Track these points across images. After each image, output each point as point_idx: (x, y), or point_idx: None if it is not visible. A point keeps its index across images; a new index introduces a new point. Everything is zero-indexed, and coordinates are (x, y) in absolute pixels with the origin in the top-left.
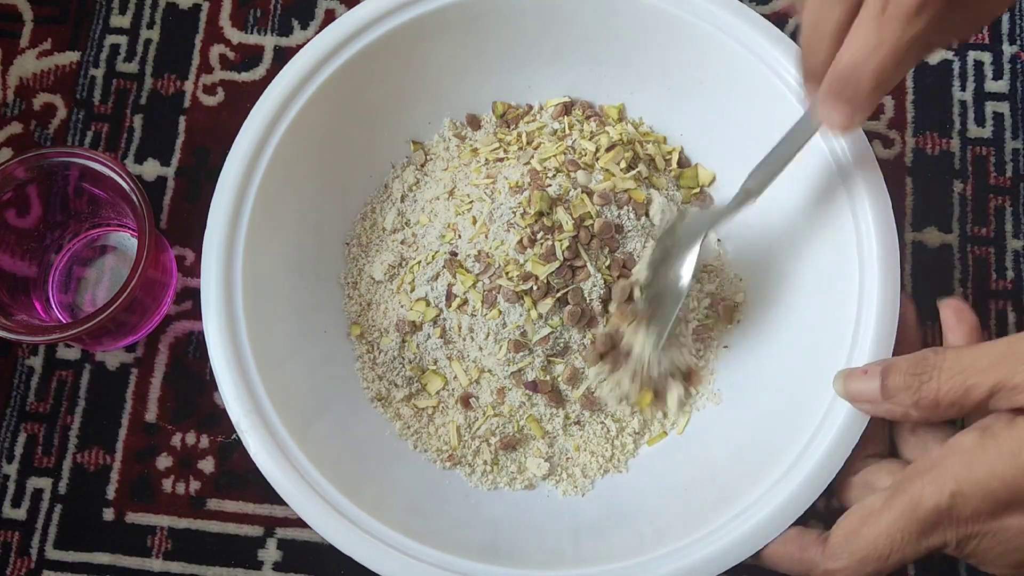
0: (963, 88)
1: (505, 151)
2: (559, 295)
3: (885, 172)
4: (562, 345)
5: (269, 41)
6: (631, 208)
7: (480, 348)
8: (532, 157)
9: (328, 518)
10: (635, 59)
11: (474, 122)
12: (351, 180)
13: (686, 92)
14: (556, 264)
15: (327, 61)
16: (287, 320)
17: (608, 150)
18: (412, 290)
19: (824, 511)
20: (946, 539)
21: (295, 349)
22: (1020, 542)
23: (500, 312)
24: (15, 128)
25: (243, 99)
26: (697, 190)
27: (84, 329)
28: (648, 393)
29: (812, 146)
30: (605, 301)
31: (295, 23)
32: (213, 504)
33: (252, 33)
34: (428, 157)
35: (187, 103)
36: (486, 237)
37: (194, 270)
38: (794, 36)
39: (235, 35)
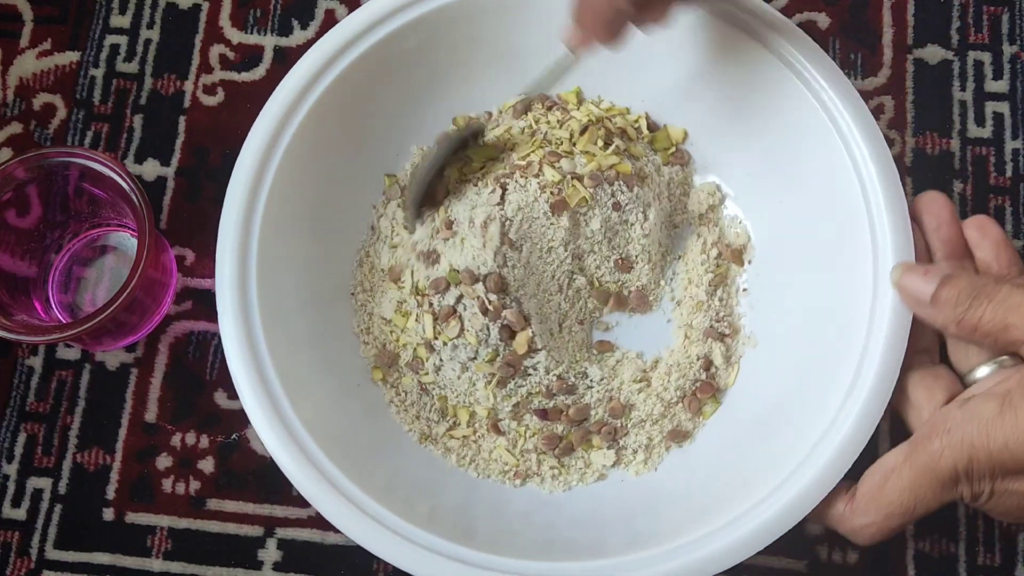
0: (963, 88)
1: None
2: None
3: None
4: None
5: (269, 41)
6: (622, 182)
7: (468, 388)
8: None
9: (399, 546)
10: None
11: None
12: (342, 225)
13: (636, 60)
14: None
15: (288, 121)
16: (324, 380)
17: (582, 133)
18: (404, 330)
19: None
20: (962, 493)
21: (335, 401)
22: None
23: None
24: (15, 128)
25: (243, 99)
26: (672, 149)
27: (84, 329)
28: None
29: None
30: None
31: (295, 23)
32: (213, 504)
33: (252, 33)
34: (403, 187)
35: (187, 103)
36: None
37: (194, 270)
38: None
39: (235, 35)
